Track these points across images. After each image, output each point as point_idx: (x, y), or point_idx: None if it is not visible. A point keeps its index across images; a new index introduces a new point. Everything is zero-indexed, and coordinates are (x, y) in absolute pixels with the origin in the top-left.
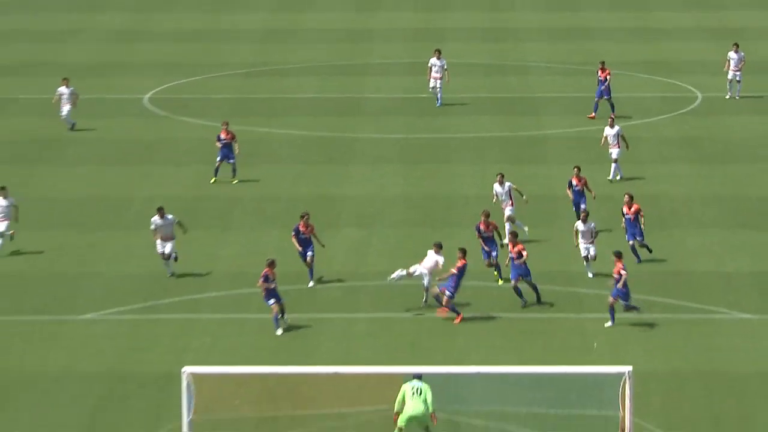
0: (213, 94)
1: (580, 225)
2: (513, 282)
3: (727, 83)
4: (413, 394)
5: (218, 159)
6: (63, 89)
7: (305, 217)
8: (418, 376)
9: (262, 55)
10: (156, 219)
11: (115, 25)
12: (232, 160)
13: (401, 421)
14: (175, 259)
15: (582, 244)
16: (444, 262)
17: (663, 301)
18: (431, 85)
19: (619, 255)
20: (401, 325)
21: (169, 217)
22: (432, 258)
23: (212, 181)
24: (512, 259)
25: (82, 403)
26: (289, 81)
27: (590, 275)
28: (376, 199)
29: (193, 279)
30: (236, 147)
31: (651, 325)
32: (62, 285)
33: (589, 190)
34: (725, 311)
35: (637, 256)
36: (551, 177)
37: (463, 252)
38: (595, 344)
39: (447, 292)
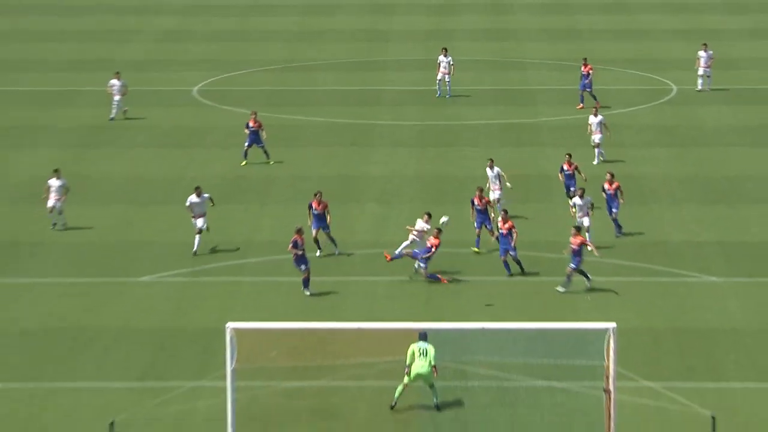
0: (252, 87)
1: (577, 200)
2: (502, 257)
3: (698, 78)
4: (420, 354)
5: (246, 144)
6: (114, 81)
7: (318, 195)
8: (424, 337)
9: (294, 53)
10: (193, 197)
11: (168, 27)
12: (261, 145)
13: (408, 378)
14: (207, 229)
15: (578, 217)
16: (427, 230)
17: (642, 266)
18: (439, 78)
19: (578, 229)
20: (416, 287)
21: (205, 195)
22: (418, 224)
23: (243, 164)
24: (501, 234)
25: (139, 354)
26: (317, 75)
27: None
28: (394, 177)
29: (236, 247)
30: (263, 134)
31: (632, 287)
32: (122, 252)
33: (580, 173)
34: (696, 275)
35: (619, 227)
36: (546, 158)
37: (439, 231)
38: (589, 297)
39: (421, 265)
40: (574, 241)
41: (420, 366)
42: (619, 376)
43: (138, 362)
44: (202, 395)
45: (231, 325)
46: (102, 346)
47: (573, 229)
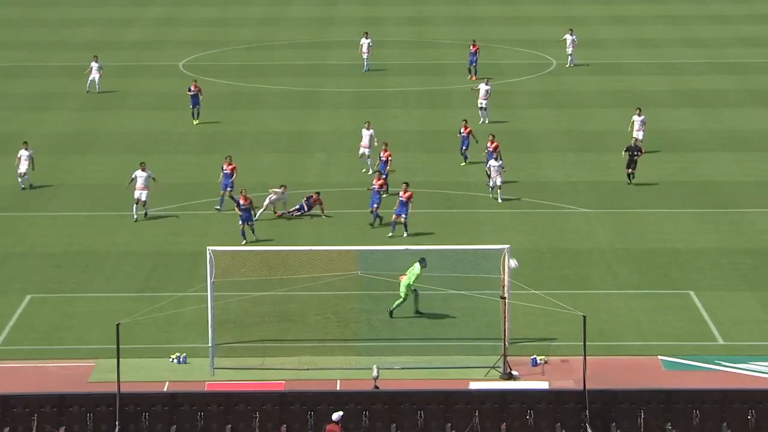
0: (226, 62)
1: (493, 162)
2: (370, 208)
3: (568, 56)
4: (409, 270)
5: (191, 106)
6: (93, 63)
7: (228, 158)
8: (422, 262)
9: (259, 35)
10: (138, 172)
11: (159, 15)
12: (197, 106)
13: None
14: (145, 211)
15: (493, 177)
16: (282, 195)
17: (529, 200)
18: (365, 57)
19: (407, 184)
20: (354, 219)
21: (148, 171)
22: (274, 192)
23: (195, 123)
24: (373, 190)
25: (138, 272)
26: (277, 53)
27: (500, 200)
28: (336, 132)
29: (213, 188)
30: (201, 97)
31: (522, 216)
32: (123, 191)
33: (474, 137)
34: (572, 207)
35: (489, 178)
36: (454, 118)
37: (318, 194)
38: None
39: (293, 213)
40: (404, 195)
41: (403, 280)
42: (512, 286)
43: (137, 277)
44: (187, 303)
45: (211, 248)
46: (110, 265)
47: (404, 184)
